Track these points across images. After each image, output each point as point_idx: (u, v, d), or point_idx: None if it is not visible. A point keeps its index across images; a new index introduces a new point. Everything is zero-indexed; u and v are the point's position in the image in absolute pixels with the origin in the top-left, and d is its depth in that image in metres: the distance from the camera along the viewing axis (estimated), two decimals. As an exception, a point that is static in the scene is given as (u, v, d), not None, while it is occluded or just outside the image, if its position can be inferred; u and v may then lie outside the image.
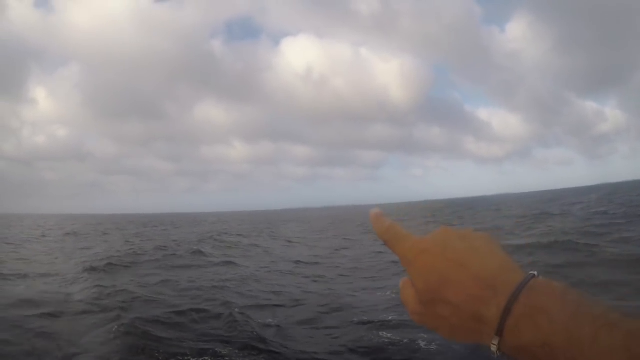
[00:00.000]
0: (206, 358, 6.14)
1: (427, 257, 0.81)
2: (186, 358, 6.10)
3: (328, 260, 15.97)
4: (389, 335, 6.77)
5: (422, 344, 6.23)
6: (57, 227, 51.05)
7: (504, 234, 19.98)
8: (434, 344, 6.15)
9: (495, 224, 26.47)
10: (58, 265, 14.84)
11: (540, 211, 34.24)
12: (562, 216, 27.63)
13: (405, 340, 6.45)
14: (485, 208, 55.38)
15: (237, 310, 8.36)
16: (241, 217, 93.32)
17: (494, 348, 0.77)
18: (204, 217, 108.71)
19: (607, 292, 8.24)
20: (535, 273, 0.79)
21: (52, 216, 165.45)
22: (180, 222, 66.83)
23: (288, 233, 33.99)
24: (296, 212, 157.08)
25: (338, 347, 6.53)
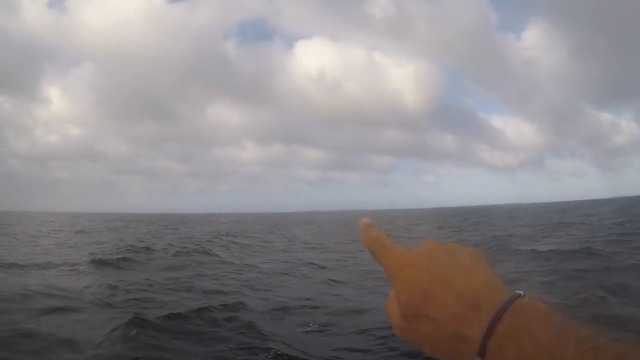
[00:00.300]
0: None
1: (411, 270, 0.79)
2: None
3: (349, 263, 15.42)
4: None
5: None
6: (69, 224, 51.52)
7: (522, 239, 19.82)
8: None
9: (512, 232, 26.25)
10: (70, 260, 14.74)
11: (558, 220, 34.05)
12: (580, 225, 27.61)
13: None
14: (500, 216, 55.01)
15: (266, 315, 7.92)
16: (252, 219, 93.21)
17: None
18: (215, 217, 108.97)
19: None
20: (522, 292, 0.75)
21: (64, 214, 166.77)
22: (192, 221, 66.96)
23: (304, 235, 33.54)
24: (308, 215, 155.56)
25: (388, 352, 6.12)
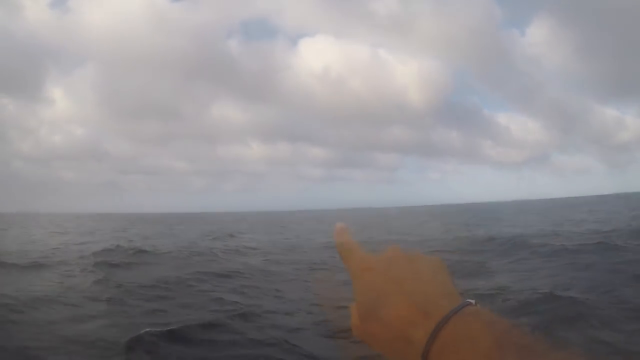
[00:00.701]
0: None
1: (370, 273, 0.84)
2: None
3: None
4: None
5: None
6: (73, 224, 51.37)
7: (539, 235, 19.42)
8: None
9: (526, 227, 26.00)
10: (74, 262, 14.28)
11: (570, 215, 33.97)
12: (595, 220, 27.59)
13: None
14: (509, 212, 54.72)
15: (302, 326, 6.90)
16: (258, 217, 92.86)
17: None
18: (221, 216, 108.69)
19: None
20: (472, 301, 0.78)
21: (69, 214, 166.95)
22: (198, 221, 66.83)
23: (316, 234, 31.82)
24: (314, 213, 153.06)
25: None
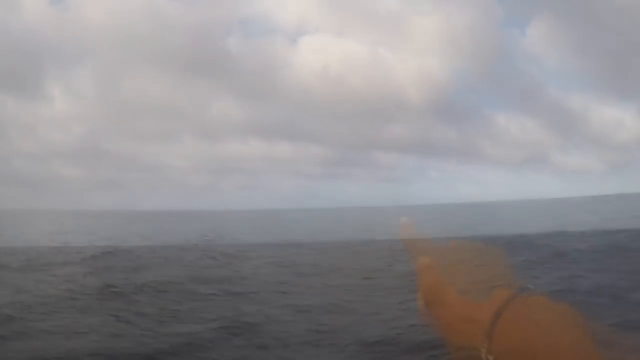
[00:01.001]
0: None
1: (436, 262, 0.90)
2: None
3: (396, 268, 11.89)
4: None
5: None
6: (72, 223, 51.15)
7: (543, 236, 19.24)
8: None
9: (530, 227, 25.81)
10: (73, 263, 14.04)
11: (573, 215, 33.88)
12: (600, 220, 27.48)
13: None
14: (510, 212, 54.62)
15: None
16: (260, 215, 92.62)
17: (484, 350, 0.80)
18: (220, 214, 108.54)
19: None
20: (531, 286, 0.83)
21: (69, 212, 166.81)
22: (198, 219, 66.67)
23: (322, 236, 30.67)
24: (315, 212, 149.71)
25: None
